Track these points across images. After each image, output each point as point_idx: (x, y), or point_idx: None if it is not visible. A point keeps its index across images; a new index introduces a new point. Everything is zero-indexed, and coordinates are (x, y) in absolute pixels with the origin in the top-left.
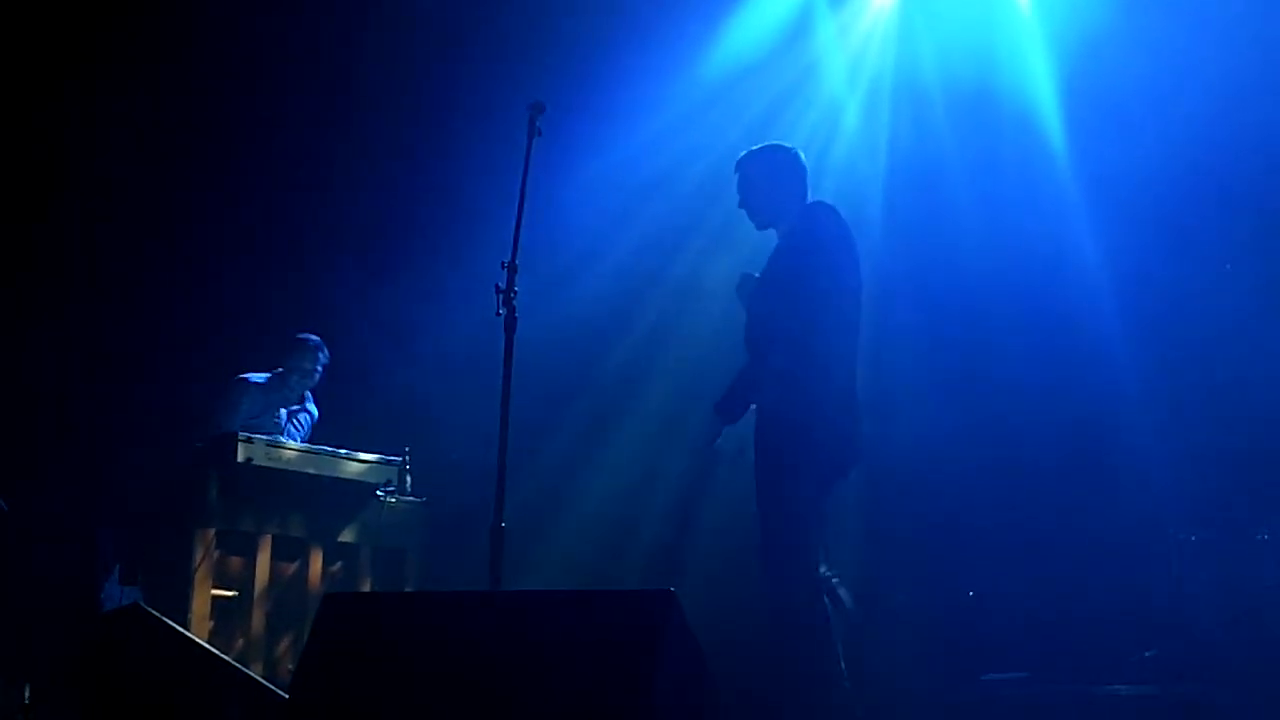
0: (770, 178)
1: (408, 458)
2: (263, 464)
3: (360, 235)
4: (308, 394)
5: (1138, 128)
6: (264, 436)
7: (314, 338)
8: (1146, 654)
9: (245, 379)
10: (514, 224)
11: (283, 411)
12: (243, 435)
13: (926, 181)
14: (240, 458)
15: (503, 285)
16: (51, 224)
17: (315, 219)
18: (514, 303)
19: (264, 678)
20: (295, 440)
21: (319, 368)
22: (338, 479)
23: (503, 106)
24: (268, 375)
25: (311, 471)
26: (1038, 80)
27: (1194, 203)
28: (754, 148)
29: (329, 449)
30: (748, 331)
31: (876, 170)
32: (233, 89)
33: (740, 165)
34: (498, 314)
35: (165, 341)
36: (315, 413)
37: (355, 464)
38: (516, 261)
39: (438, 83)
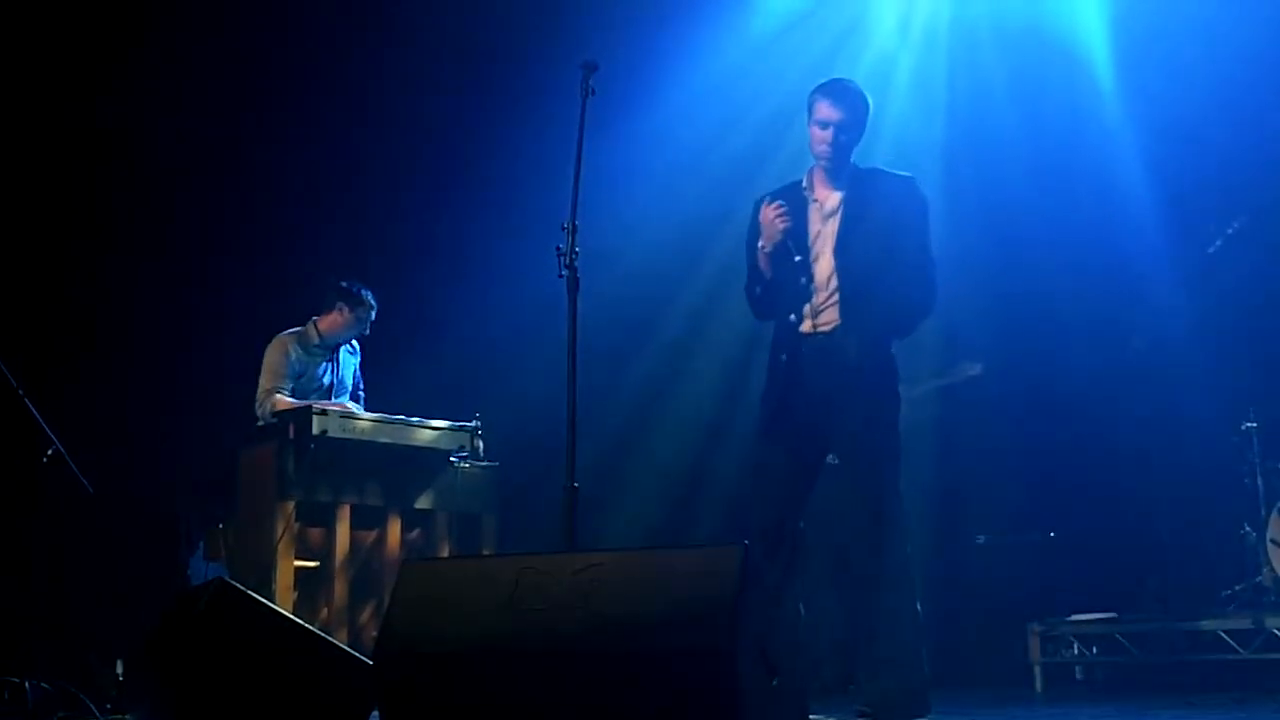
0: (864, 126)
1: (479, 423)
2: (338, 435)
3: (419, 202)
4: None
5: (1187, 67)
6: (337, 408)
7: (357, 287)
8: (1236, 588)
9: (282, 336)
10: (572, 185)
11: (327, 363)
12: (316, 408)
13: (981, 124)
14: (315, 430)
15: (563, 247)
16: (125, 198)
17: (371, 183)
18: (576, 264)
19: (348, 646)
20: (347, 388)
21: (358, 320)
22: (411, 447)
23: (557, 65)
24: (301, 328)
25: (385, 440)
26: (1088, 18)
27: (1244, 142)
28: (855, 85)
29: (401, 417)
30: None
31: (933, 117)
32: (283, 49)
33: (854, 100)
34: (560, 276)
35: (231, 309)
36: (356, 349)
37: (428, 431)
38: (576, 222)
39: (491, 43)
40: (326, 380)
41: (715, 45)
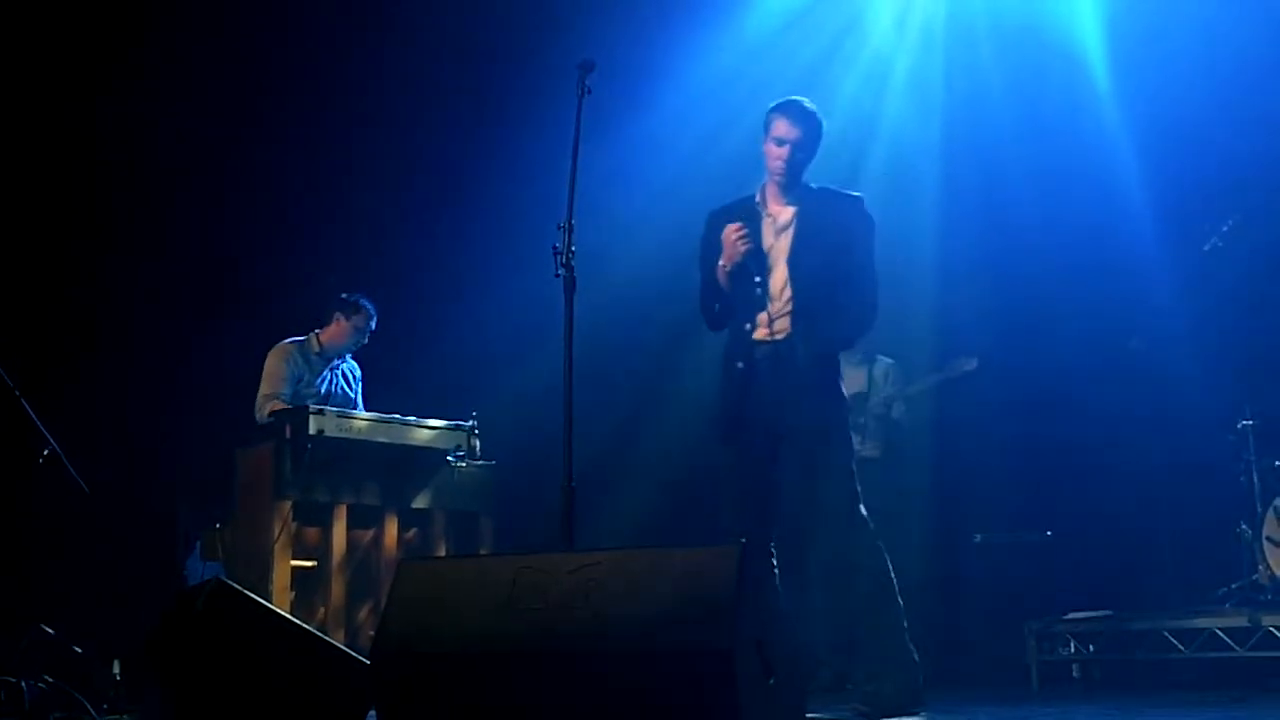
0: (818, 145)
1: (475, 422)
2: (334, 435)
3: (417, 201)
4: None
5: (1184, 65)
6: (334, 408)
7: (356, 298)
8: (1233, 586)
9: (284, 344)
10: (568, 184)
11: (327, 374)
12: (314, 407)
13: (978, 123)
14: (312, 430)
15: (560, 246)
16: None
17: (368, 184)
18: (572, 263)
19: (346, 645)
20: (351, 396)
21: (357, 330)
22: (409, 446)
23: (554, 65)
24: (304, 337)
25: (382, 440)
26: (1084, 17)
27: (1240, 141)
28: (811, 105)
29: (398, 417)
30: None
31: (930, 116)
32: (282, 52)
33: (810, 120)
34: (556, 275)
35: (230, 310)
36: (356, 367)
37: (425, 430)
38: (573, 221)
39: (489, 44)
40: (324, 389)
41: (712, 45)
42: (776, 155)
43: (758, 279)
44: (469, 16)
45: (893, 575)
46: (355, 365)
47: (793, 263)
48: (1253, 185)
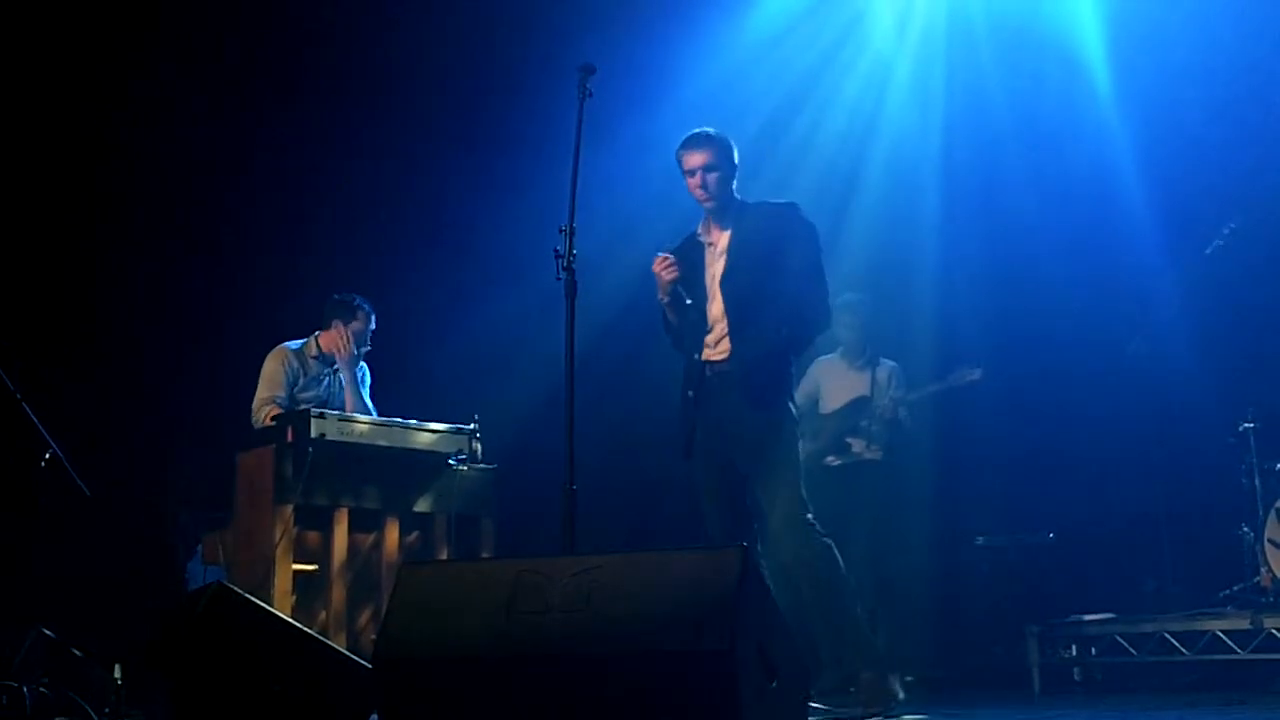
0: (732, 162)
1: (477, 425)
2: (336, 438)
3: (417, 204)
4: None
5: (1184, 68)
6: (335, 411)
7: (351, 298)
8: (1234, 588)
9: (280, 347)
10: (569, 188)
11: (327, 377)
12: (315, 411)
13: (978, 127)
14: (314, 433)
15: (561, 250)
16: (114, 208)
17: (370, 187)
18: (573, 266)
19: (347, 649)
20: (360, 395)
21: (357, 334)
22: (410, 450)
23: (555, 67)
24: (302, 341)
25: (384, 443)
26: (1085, 20)
27: (1241, 142)
28: (714, 131)
29: (400, 420)
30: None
31: (930, 120)
32: (284, 54)
33: (711, 141)
34: (558, 279)
35: (231, 311)
36: (365, 369)
37: (426, 434)
38: (574, 225)
39: (489, 47)
40: (324, 394)
41: (714, 48)
42: (695, 185)
43: (690, 302)
44: (470, 19)
45: (845, 574)
46: (365, 367)
47: (725, 284)
48: (1254, 187)
